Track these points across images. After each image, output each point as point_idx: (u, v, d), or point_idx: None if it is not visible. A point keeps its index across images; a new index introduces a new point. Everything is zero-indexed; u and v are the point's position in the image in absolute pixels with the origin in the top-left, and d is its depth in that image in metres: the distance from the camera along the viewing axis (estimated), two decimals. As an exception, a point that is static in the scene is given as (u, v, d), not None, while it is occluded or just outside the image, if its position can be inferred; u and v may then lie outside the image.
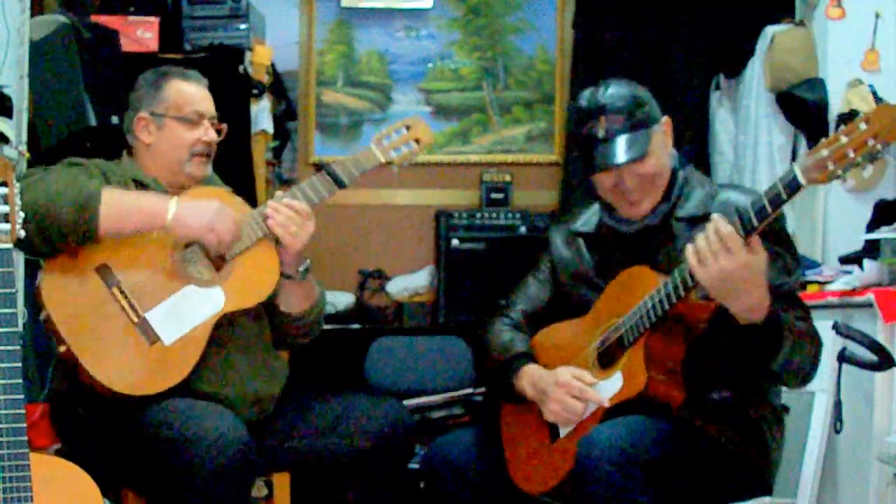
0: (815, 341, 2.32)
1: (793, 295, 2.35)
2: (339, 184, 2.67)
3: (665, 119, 2.46)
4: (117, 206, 2.42)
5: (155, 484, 2.42)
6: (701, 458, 2.31)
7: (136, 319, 2.44)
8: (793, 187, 2.06)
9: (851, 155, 1.98)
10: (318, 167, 2.69)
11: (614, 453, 2.16)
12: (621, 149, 2.35)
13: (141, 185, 2.63)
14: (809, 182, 2.04)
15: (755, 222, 2.10)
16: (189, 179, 2.66)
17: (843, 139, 1.99)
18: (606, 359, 2.37)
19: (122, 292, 2.45)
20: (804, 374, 2.34)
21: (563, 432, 2.39)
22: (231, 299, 2.51)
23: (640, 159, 2.36)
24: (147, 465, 2.39)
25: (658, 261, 2.37)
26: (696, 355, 2.25)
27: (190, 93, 2.68)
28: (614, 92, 2.40)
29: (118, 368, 2.41)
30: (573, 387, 2.36)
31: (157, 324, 2.45)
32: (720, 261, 2.12)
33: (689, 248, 2.17)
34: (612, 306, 2.38)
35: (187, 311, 2.47)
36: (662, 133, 2.43)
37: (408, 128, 2.77)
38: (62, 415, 2.56)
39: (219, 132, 2.71)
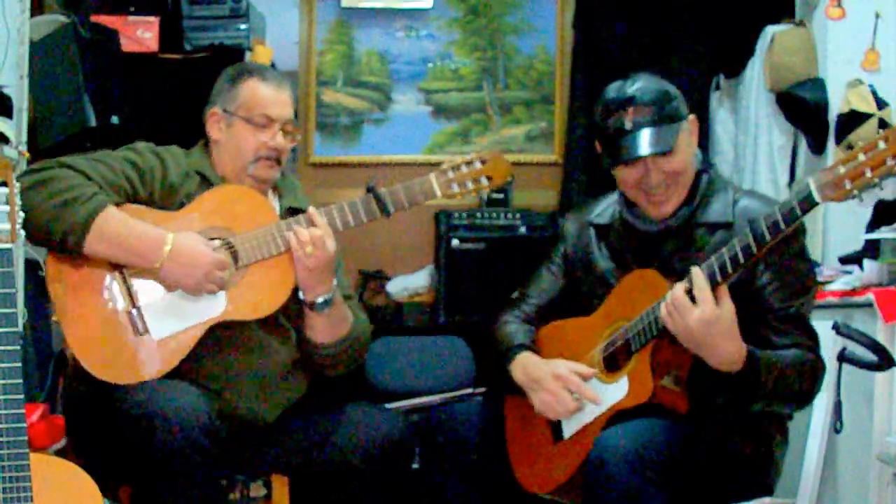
0: (810, 372, 2.29)
1: (799, 317, 2.32)
2: (385, 212, 2.55)
3: (692, 117, 2.43)
4: (108, 237, 2.36)
5: (129, 464, 2.38)
6: (707, 459, 2.30)
7: (130, 307, 2.42)
8: (807, 204, 2.04)
9: (869, 174, 1.95)
10: (369, 189, 2.57)
11: (628, 455, 2.15)
12: (648, 141, 2.32)
13: (204, 178, 2.59)
14: (825, 200, 2.02)
15: (768, 237, 2.09)
16: (254, 181, 2.60)
17: (862, 157, 1.95)
18: (612, 362, 2.35)
19: (123, 277, 2.42)
20: (796, 404, 2.35)
21: (567, 433, 2.38)
22: (231, 307, 2.46)
23: (666, 154, 2.32)
24: (120, 445, 2.35)
25: (673, 264, 2.34)
26: (703, 364, 2.23)
27: (263, 95, 2.60)
28: (643, 85, 2.37)
29: (97, 350, 2.39)
30: (570, 381, 2.35)
31: (150, 316, 2.42)
32: (686, 316, 2.13)
33: (663, 303, 2.18)
34: (620, 308, 2.36)
35: (184, 310, 2.43)
36: (689, 131, 2.40)
37: (483, 162, 2.62)
38: (70, 400, 2.56)
39: (294, 136, 2.63)
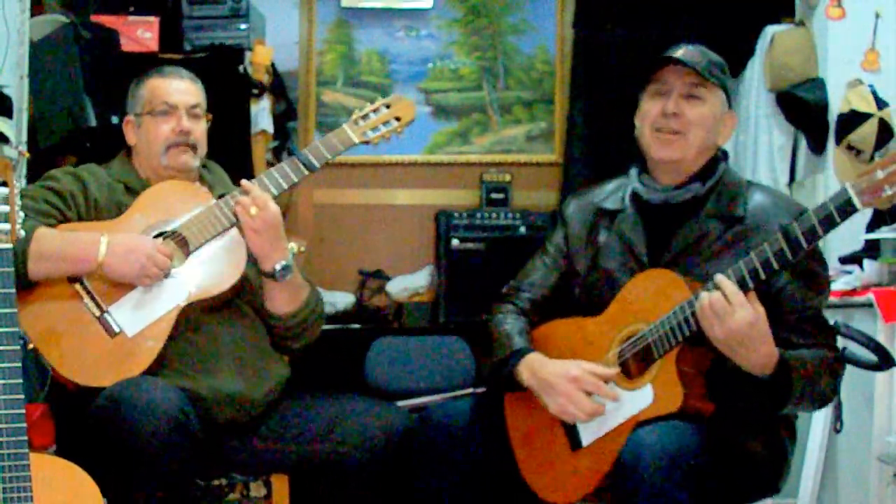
0: (834, 369, 2.28)
1: (817, 317, 2.31)
2: (310, 168, 2.63)
3: (731, 112, 2.42)
4: (46, 254, 2.41)
5: (104, 463, 2.35)
6: (731, 463, 2.26)
7: (98, 313, 2.47)
8: (847, 211, 1.98)
9: None
10: (290, 151, 2.65)
11: (663, 457, 2.10)
12: (686, 56, 2.33)
13: (127, 187, 2.64)
14: (865, 205, 1.96)
15: (804, 243, 2.04)
16: (170, 172, 2.65)
17: None
18: (632, 368, 2.27)
19: (84, 287, 2.48)
20: (820, 403, 2.33)
21: (585, 440, 2.30)
22: (196, 289, 2.51)
23: (697, 81, 2.32)
24: (96, 444, 2.36)
25: (684, 258, 2.30)
26: (728, 369, 2.18)
27: (161, 86, 2.67)
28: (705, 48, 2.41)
29: (80, 361, 2.44)
30: (586, 382, 2.26)
31: (120, 316, 2.47)
32: (727, 320, 2.08)
33: (697, 305, 2.12)
34: (634, 309, 2.28)
35: (151, 303, 2.49)
36: (724, 112, 2.39)
37: (388, 106, 2.71)
38: (60, 412, 2.58)
39: (207, 122, 2.69)
